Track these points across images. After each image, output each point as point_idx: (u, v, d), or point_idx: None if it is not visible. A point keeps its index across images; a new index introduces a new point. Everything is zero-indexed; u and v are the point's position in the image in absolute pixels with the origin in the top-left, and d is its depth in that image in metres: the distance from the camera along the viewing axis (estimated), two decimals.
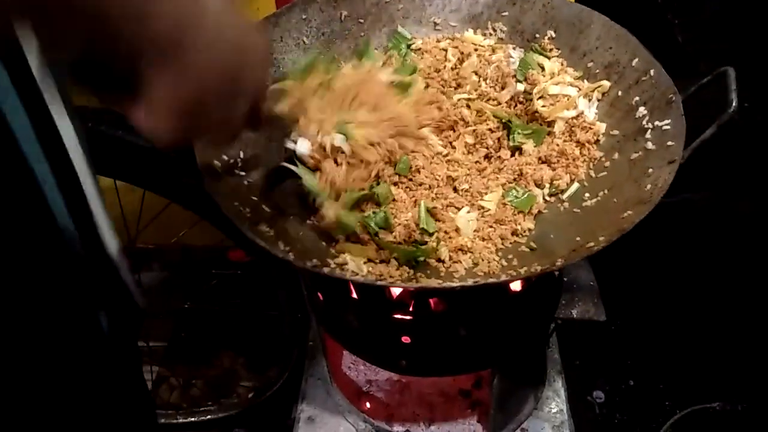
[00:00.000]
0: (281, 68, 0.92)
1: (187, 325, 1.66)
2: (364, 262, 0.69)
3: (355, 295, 0.84)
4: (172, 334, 1.66)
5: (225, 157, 0.78)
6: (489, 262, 0.71)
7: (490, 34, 0.98)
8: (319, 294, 0.90)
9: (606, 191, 0.77)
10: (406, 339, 0.85)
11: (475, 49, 0.94)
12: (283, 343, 1.43)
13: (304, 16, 0.93)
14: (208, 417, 1.50)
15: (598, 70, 0.88)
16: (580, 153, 0.83)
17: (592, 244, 0.67)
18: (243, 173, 0.80)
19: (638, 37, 0.88)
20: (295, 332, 1.33)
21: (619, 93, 0.85)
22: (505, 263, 0.71)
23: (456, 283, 0.64)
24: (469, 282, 0.64)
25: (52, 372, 0.56)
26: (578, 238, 0.71)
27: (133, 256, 1.55)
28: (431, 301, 0.83)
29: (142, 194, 1.22)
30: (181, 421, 1.50)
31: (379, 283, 0.65)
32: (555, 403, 1.06)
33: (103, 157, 1.10)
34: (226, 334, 1.65)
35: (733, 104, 0.74)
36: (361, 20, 0.97)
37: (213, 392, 1.57)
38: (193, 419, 1.50)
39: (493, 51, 0.95)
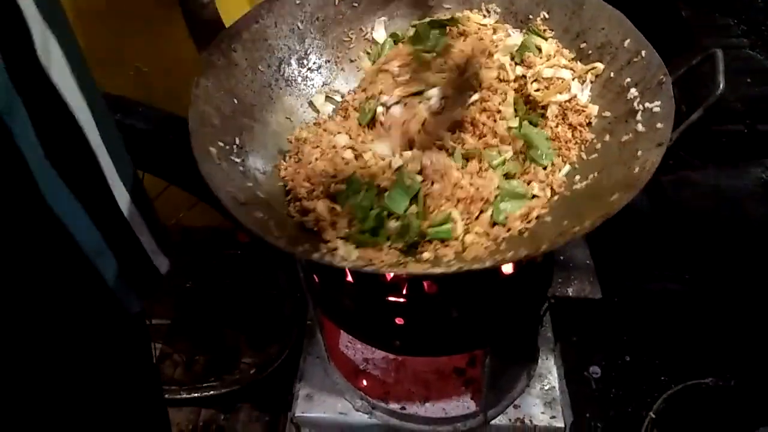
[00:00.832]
0: (276, 54, 0.93)
1: (190, 304, 1.69)
2: (355, 247, 0.71)
3: (350, 278, 0.86)
4: (175, 312, 1.69)
5: (221, 144, 0.79)
6: (477, 247, 0.72)
7: (485, 16, 0.98)
8: (315, 276, 0.92)
9: (596, 174, 0.78)
10: (399, 320, 0.87)
11: (477, 29, 0.94)
12: (284, 322, 1.46)
13: (298, 2, 0.93)
14: (211, 393, 1.54)
15: (590, 51, 0.89)
16: (572, 136, 0.84)
17: (577, 228, 0.67)
18: (238, 159, 0.81)
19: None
20: (294, 311, 1.35)
21: (612, 74, 0.85)
22: (493, 247, 0.72)
23: (439, 270, 0.66)
24: (453, 268, 0.65)
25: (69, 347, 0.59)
26: (566, 222, 0.72)
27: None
28: (424, 283, 0.84)
29: (141, 176, 1.23)
30: (184, 396, 1.54)
31: (366, 268, 0.66)
32: (547, 381, 1.08)
33: None
34: (227, 312, 1.68)
35: (721, 86, 0.74)
36: (356, 4, 0.97)
37: (215, 369, 1.60)
38: (196, 395, 1.54)
39: (494, 31, 0.95)
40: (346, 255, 0.69)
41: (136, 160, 1.14)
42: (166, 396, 1.54)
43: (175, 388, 1.55)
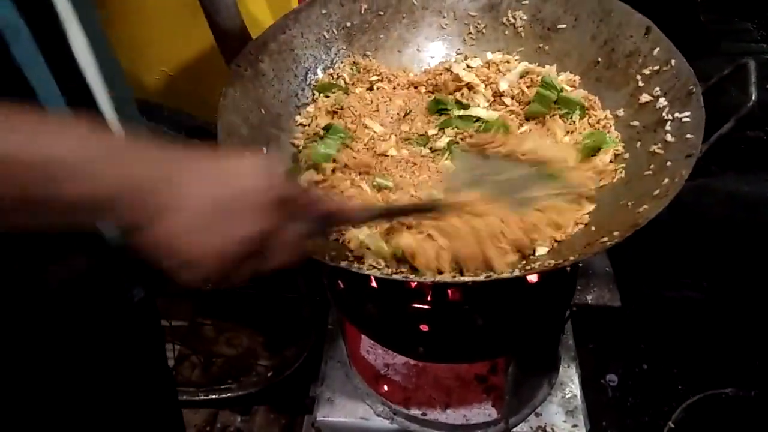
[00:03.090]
0: (303, 64, 0.93)
1: (207, 306, 1.70)
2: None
3: (374, 284, 0.86)
4: (193, 314, 1.70)
5: (248, 154, 0.79)
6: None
7: (510, 23, 0.97)
8: (340, 282, 0.92)
9: (624, 184, 0.77)
10: (424, 327, 0.87)
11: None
12: (301, 325, 1.46)
13: (324, 11, 0.94)
14: (229, 395, 1.55)
15: (619, 59, 0.88)
16: None
17: (606, 239, 0.67)
18: None
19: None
20: (313, 315, 1.35)
21: (641, 83, 0.84)
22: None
23: (468, 278, 0.66)
24: (481, 277, 0.65)
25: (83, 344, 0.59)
26: (593, 229, 0.72)
27: None
28: (449, 291, 0.84)
29: None
30: (202, 398, 1.55)
31: (395, 277, 0.66)
32: (569, 389, 1.08)
33: None
34: (245, 314, 1.69)
35: (753, 97, 0.74)
36: (381, 12, 0.98)
37: (233, 371, 1.61)
38: (214, 396, 1.55)
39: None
40: (375, 263, 0.69)
41: None
42: (184, 398, 1.55)
43: (193, 389, 1.56)
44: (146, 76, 1.31)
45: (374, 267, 0.69)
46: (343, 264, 0.68)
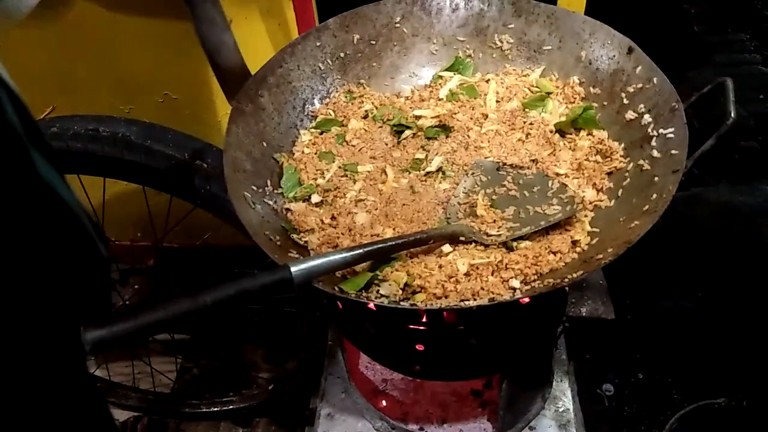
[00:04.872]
0: (300, 95, 0.96)
1: (209, 320, 1.72)
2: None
3: (372, 306, 0.89)
4: (194, 327, 1.73)
5: (254, 187, 0.82)
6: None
7: (497, 46, 1.00)
8: (339, 303, 0.95)
9: (613, 201, 0.80)
10: (419, 347, 0.90)
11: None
12: (302, 339, 1.49)
13: (318, 43, 0.97)
14: (230, 407, 1.57)
15: (603, 78, 0.91)
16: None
17: (600, 256, 0.70)
18: (271, 201, 0.84)
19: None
20: (313, 329, 1.38)
21: (626, 100, 0.87)
22: None
23: (473, 303, 0.69)
24: (485, 301, 0.69)
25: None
26: (586, 247, 0.75)
27: (160, 256, 1.61)
28: (443, 313, 0.87)
29: (169, 198, 1.28)
30: (204, 410, 1.58)
31: (402, 305, 0.69)
32: (562, 402, 1.11)
33: (133, 165, 1.16)
34: (247, 328, 1.71)
35: (732, 115, 0.75)
36: (373, 41, 1.00)
37: (234, 383, 1.64)
38: (215, 409, 1.57)
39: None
40: (387, 292, 0.72)
41: (164, 184, 1.19)
42: (186, 410, 1.57)
43: (195, 402, 1.58)
44: (150, 99, 1.35)
45: (383, 296, 0.72)
46: (352, 295, 0.71)
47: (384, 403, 1.12)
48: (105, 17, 1.24)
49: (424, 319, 0.87)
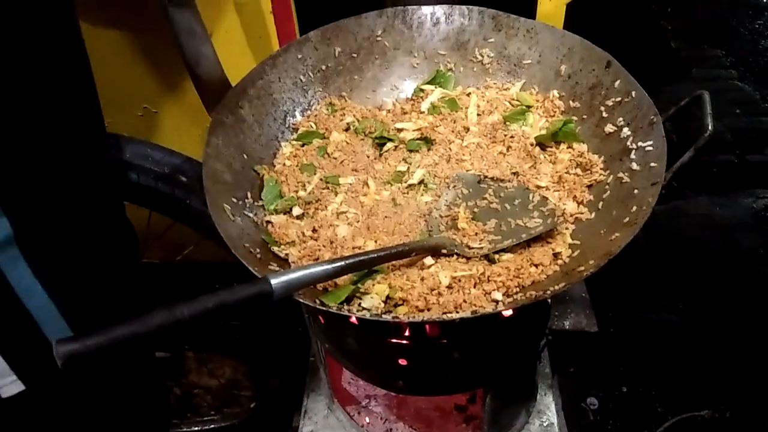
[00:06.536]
0: (281, 107, 0.95)
1: (189, 337, 1.70)
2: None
3: (354, 320, 0.88)
4: (175, 344, 1.70)
5: (234, 199, 0.81)
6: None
7: (478, 60, 1.01)
8: (320, 317, 0.94)
9: (594, 213, 0.81)
10: (402, 361, 0.89)
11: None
12: (284, 356, 1.47)
13: (299, 56, 0.96)
14: (212, 426, 1.54)
15: (583, 92, 0.92)
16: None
17: (582, 268, 0.70)
18: (251, 213, 0.83)
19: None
20: (295, 346, 1.36)
21: (605, 114, 0.88)
22: None
23: (455, 315, 0.69)
24: (467, 313, 0.68)
25: None
26: (568, 260, 0.75)
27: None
28: (426, 326, 0.86)
29: (148, 213, 1.26)
30: (185, 430, 1.54)
31: (384, 317, 0.69)
32: (546, 417, 1.10)
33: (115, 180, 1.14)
34: (228, 345, 1.68)
35: (709, 128, 0.76)
36: (355, 54, 1.00)
37: (216, 401, 1.61)
38: (196, 429, 1.54)
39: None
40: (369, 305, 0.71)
41: (144, 199, 1.17)
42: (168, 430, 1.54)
43: (176, 421, 1.55)
44: (130, 113, 1.33)
45: (365, 309, 0.71)
46: (334, 308, 0.70)
47: (367, 419, 1.10)
48: (83, 31, 1.23)
49: (406, 333, 0.86)
